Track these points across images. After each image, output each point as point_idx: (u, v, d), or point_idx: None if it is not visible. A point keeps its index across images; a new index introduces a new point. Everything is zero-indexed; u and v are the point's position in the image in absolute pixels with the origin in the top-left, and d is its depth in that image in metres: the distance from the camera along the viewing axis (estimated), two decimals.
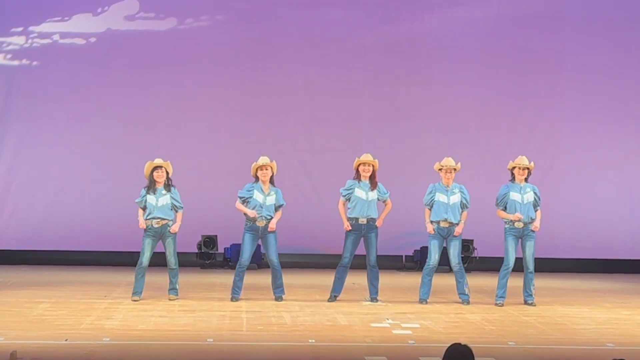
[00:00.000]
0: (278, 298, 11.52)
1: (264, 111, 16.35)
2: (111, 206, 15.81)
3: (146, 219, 11.37)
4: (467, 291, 11.66)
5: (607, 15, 16.79)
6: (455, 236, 11.60)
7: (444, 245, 11.70)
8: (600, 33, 16.73)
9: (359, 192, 11.51)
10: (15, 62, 16.41)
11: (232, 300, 11.46)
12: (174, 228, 11.40)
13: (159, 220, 11.35)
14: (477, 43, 16.61)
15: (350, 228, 11.53)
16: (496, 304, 11.53)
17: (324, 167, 15.93)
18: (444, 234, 11.59)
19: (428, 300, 11.62)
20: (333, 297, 11.64)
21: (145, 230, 11.39)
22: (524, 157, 11.72)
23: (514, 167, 11.72)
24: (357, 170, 11.63)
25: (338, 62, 16.49)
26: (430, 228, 11.57)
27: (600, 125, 16.70)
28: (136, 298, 11.36)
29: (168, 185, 11.45)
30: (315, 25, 16.58)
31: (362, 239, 11.59)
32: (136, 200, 11.46)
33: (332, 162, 15.53)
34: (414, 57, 16.59)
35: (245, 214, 11.44)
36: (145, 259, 11.37)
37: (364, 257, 11.70)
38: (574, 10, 16.79)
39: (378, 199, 11.59)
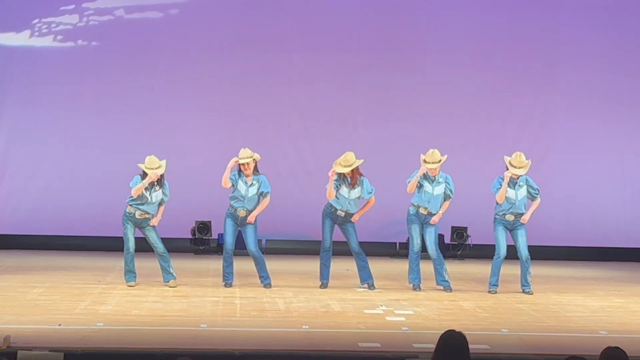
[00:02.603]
0: (267, 285, 11.51)
1: (259, 98, 16.30)
2: (106, 191, 15.77)
3: (131, 205, 11.31)
4: (447, 277, 11.63)
5: (602, 2, 16.77)
6: (432, 224, 11.57)
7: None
8: (596, 20, 16.71)
9: (343, 190, 11.47)
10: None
11: (225, 286, 11.46)
12: (154, 222, 11.38)
13: (143, 213, 11.32)
14: (472, 30, 16.57)
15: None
16: (489, 292, 11.54)
17: (318, 154, 15.89)
18: (421, 220, 11.61)
19: (421, 286, 11.61)
20: (324, 285, 11.63)
21: (125, 214, 11.33)
22: (521, 155, 11.40)
23: (510, 162, 11.51)
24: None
25: (332, 49, 16.45)
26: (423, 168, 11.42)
27: (595, 113, 16.69)
28: (132, 283, 11.34)
29: (161, 181, 11.39)
30: (310, 12, 16.53)
31: (337, 226, 11.58)
32: (131, 184, 11.33)
33: (326, 149, 15.50)
34: (408, 45, 16.55)
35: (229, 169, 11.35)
36: (132, 244, 11.33)
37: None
38: None
39: (360, 197, 11.54)
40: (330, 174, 11.37)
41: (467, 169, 14.96)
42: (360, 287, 11.68)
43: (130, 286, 11.28)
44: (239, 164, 11.41)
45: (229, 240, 11.49)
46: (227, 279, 11.53)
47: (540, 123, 16.62)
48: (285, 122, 16.38)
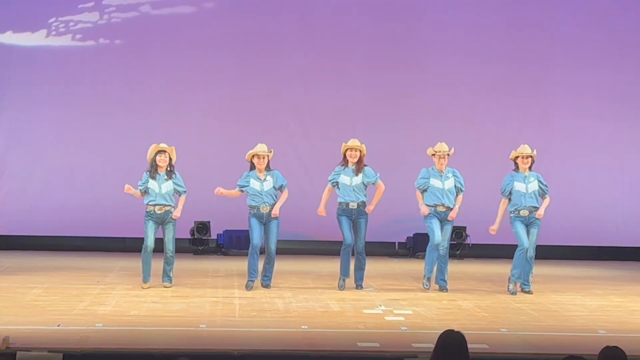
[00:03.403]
0: (266, 286, 11.44)
1: (257, 98, 16.32)
2: (104, 192, 15.79)
3: (148, 204, 11.24)
4: (446, 277, 11.58)
5: (599, 1, 16.78)
6: (449, 220, 11.53)
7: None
8: (594, 17, 16.73)
9: (344, 178, 11.44)
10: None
11: (248, 284, 11.26)
12: (176, 214, 11.27)
13: (161, 206, 11.23)
14: (471, 28, 16.59)
15: (324, 214, 11.51)
16: (510, 290, 11.44)
17: (317, 154, 15.91)
18: (441, 217, 11.50)
19: (431, 279, 11.54)
20: (343, 281, 11.51)
21: (146, 214, 11.26)
22: (526, 145, 11.57)
23: (516, 157, 11.57)
24: (344, 156, 11.56)
25: (331, 48, 16.47)
26: (424, 209, 11.46)
27: (594, 110, 16.72)
28: (146, 285, 11.21)
29: (170, 172, 11.30)
30: (309, 11, 16.55)
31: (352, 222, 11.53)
32: (138, 186, 11.24)
33: (325, 148, 15.52)
34: (407, 43, 16.57)
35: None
36: (150, 241, 11.20)
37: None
38: None
39: (364, 183, 11.50)
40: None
41: (466, 168, 14.92)
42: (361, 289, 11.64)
43: (143, 288, 11.14)
44: (253, 159, 11.35)
45: (256, 236, 11.26)
46: (252, 276, 11.33)
47: (539, 122, 16.64)
48: (284, 123, 16.38)
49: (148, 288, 11.18)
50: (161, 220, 11.29)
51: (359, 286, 11.59)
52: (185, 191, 11.38)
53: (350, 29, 16.55)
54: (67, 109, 16.08)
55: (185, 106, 16.22)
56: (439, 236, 11.44)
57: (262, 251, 11.72)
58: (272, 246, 11.41)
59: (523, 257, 11.45)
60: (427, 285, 11.57)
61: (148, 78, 16.23)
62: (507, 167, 11.79)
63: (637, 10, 16.84)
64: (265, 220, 11.37)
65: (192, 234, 15.87)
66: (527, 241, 11.38)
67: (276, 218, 11.37)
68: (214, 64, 16.33)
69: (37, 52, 16.14)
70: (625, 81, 16.74)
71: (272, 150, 11.47)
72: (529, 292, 11.47)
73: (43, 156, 16.08)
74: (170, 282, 11.42)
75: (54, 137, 16.09)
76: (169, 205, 11.27)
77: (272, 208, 11.34)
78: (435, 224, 11.47)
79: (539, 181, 11.54)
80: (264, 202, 11.33)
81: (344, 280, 11.57)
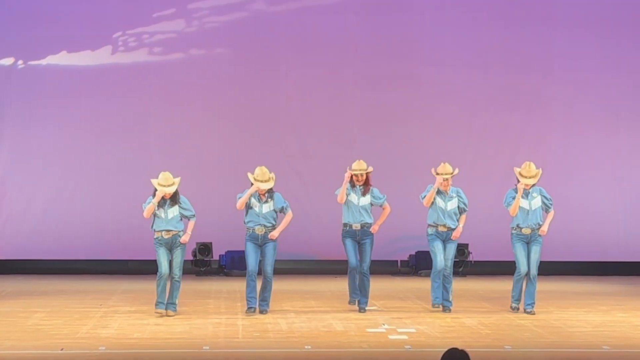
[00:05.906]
0: (262, 311, 11.16)
1: (255, 116, 16.33)
2: (106, 215, 15.78)
3: (155, 230, 11.00)
4: (451, 298, 11.41)
5: (596, 16, 16.81)
6: (452, 240, 11.45)
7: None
8: (590, 34, 16.74)
9: (352, 197, 11.39)
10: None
11: (247, 312, 11.10)
12: (184, 238, 11.00)
13: (168, 231, 10.99)
14: (467, 45, 16.60)
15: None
16: (512, 308, 11.29)
17: (316, 173, 15.92)
18: (443, 237, 11.42)
19: (442, 304, 11.37)
20: (354, 301, 11.45)
21: (155, 240, 11.00)
22: (530, 164, 11.31)
23: (520, 173, 11.30)
24: (351, 177, 11.48)
25: (328, 66, 16.48)
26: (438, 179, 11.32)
27: (591, 126, 16.72)
28: (161, 311, 10.92)
29: (175, 196, 11.03)
30: (305, 30, 16.57)
31: (357, 244, 11.46)
32: (143, 205, 10.99)
33: (324, 167, 15.53)
34: (404, 61, 16.58)
35: (248, 197, 11.10)
36: (164, 269, 10.91)
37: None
38: (563, 11, 16.81)
39: (372, 204, 11.48)
40: (346, 175, 11.29)
41: (466, 184, 14.94)
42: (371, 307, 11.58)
43: (158, 313, 10.86)
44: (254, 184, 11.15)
45: (252, 262, 11.09)
46: (251, 303, 11.16)
47: (537, 137, 16.62)
48: (282, 141, 16.36)
49: (163, 315, 10.91)
50: (170, 245, 11.02)
51: (362, 309, 11.39)
52: (193, 215, 11.11)
53: (348, 46, 16.54)
54: (68, 130, 16.03)
55: (183, 128, 16.19)
56: (442, 261, 11.32)
57: (260, 272, 11.61)
58: (269, 269, 11.14)
59: (521, 281, 11.29)
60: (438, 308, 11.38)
61: (145, 100, 16.22)
62: (506, 184, 11.72)
63: (633, 24, 16.85)
64: (260, 242, 11.17)
65: (194, 255, 15.83)
66: (524, 266, 11.21)
67: (273, 240, 11.14)
68: (210, 84, 16.33)
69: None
70: (622, 96, 16.74)
71: (273, 176, 11.19)
72: (531, 313, 11.18)
73: (44, 180, 16.03)
74: (175, 311, 11.03)
75: (55, 161, 16.03)
76: (176, 231, 11.04)
77: (268, 230, 11.12)
78: (438, 248, 11.35)
79: (542, 195, 11.38)
80: (260, 224, 11.13)
81: (354, 299, 11.47)
